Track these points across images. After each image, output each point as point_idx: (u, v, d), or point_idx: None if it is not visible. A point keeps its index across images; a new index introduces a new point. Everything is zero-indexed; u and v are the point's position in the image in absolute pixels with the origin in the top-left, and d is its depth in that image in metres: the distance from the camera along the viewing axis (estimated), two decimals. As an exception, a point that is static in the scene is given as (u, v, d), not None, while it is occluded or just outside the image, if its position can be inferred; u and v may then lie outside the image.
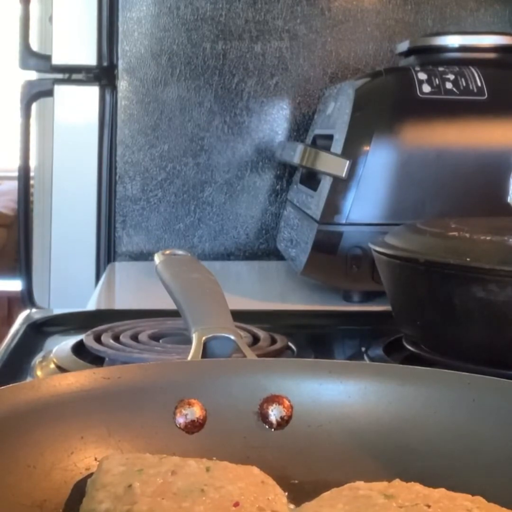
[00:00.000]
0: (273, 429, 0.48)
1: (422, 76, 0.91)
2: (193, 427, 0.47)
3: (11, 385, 0.44)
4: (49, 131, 1.23)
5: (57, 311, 0.97)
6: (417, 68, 0.92)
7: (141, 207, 1.21)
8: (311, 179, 1.03)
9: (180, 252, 0.72)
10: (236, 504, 0.39)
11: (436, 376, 0.50)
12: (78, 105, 1.21)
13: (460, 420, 0.47)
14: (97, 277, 1.20)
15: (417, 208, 0.88)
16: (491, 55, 0.98)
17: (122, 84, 1.20)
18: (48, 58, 1.20)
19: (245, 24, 1.20)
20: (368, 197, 0.89)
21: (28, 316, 0.85)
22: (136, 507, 0.38)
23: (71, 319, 0.85)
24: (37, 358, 0.69)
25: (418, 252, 0.63)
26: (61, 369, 0.64)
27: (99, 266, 1.22)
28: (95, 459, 0.43)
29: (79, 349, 0.68)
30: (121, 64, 1.20)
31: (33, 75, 1.30)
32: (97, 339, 0.69)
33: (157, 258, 0.71)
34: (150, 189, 1.21)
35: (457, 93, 0.90)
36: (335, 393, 0.49)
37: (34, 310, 1.07)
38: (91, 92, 1.21)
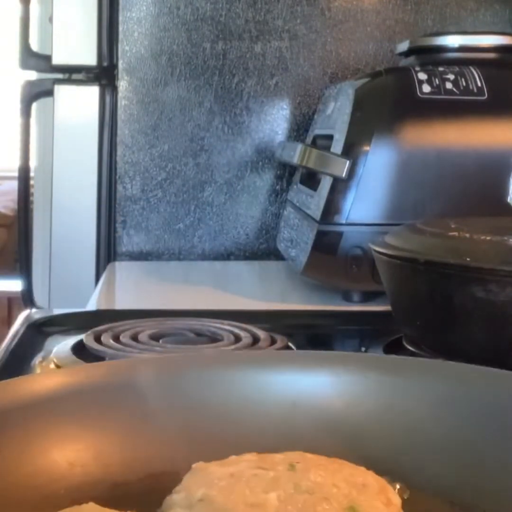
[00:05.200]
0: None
1: (422, 76, 0.91)
2: None
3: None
4: (49, 131, 1.23)
5: (57, 311, 0.97)
6: (417, 68, 0.92)
7: (141, 207, 1.21)
8: (311, 179, 1.03)
9: None
10: None
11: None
12: (78, 105, 1.21)
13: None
14: (97, 277, 1.20)
15: (417, 208, 0.88)
16: (491, 55, 0.98)
17: (122, 84, 1.20)
18: (48, 58, 1.20)
19: (245, 24, 1.20)
20: (368, 197, 0.89)
21: (28, 316, 0.85)
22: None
23: (71, 319, 0.85)
24: (37, 358, 0.69)
25: (418, 252, 0.63)
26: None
27: (99, 266, 1.22)
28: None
29: (79, 349, 0.68)
30: (121, 64, 1.20)
31: (33, 75, 1.30)
32: (97, 339, 0.69)
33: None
34: (150, 189, 1.21)
35: (457, 93, 0.90)
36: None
37: (34, 310, 1.07)
38: (91, 92, 1.21)
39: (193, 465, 0.45)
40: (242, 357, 0.54)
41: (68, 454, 0.44)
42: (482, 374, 0.49)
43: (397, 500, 0.43)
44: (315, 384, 0.50)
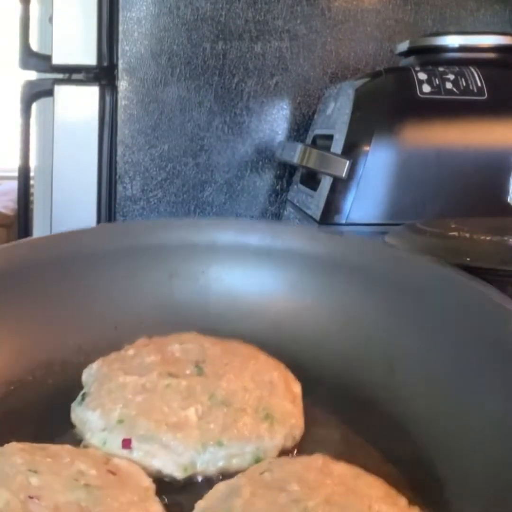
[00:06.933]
0: None
1: (422, 76, 0.91)
2: None
3: None
4: (49, 131, 1.23)
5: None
6: (417, 68, 0.92)
7: (141, 207, 1.21)
8: (311, 179, 1.03)
9: None
10: None
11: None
12: (78, 105, 1.21)
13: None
14: (97, 277, 1.20)
15: (417, 208, 0.88)
16: (491, 55, 0.98)
17: (122, 84, 1.20)
18: (48, 58, 1.20)
19: (245, 24, 1.20)
20: (368, 197, 0.89)
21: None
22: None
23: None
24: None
25: (418, 252, 0.63)
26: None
27: (99, 266, 1.22)
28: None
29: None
30: (121, 64, 1.20)
31: (33, 75, 1.30)
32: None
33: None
34: (150, 189, 1.21)
35: (457, 93, 0.90)
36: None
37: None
38: (91, 92, 1.21)
39: (95, 363, 0.44)
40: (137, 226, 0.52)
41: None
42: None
43: (298, 389, 0.45)
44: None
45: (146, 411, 0.42)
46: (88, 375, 0.45)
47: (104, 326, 0.46)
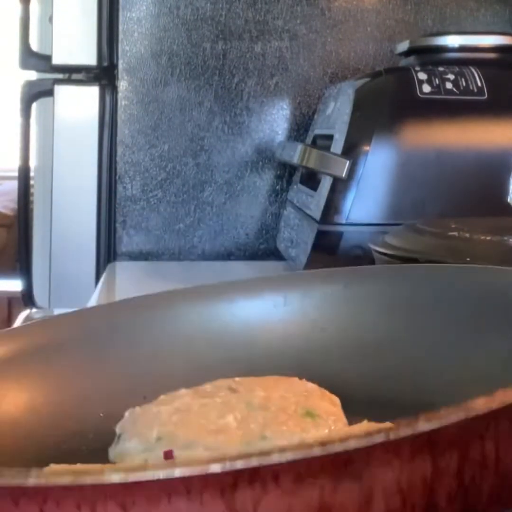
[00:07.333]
0: None
1: (422, 76, 0.91)
2: None
3: None
4: (49, 131, 1.23)
5: (57, 311, 0.97)
6: (417, 68, 0.92)
7: (141, 207, 1.21)
8: (311, 179, 1.03)
9: None
10: None
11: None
12: (78, 105, 1.21)
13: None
14: (97, 277, 1.20)
15: (417, 208, 0.88)
16: (491, 55, 0.98)
17: (122, 84, 1.20)
18: (48, 58, 1.20)
19: (245, 24, 1.20)
20: (368, 197, 0.89)
21: (28, 316, 0.85)
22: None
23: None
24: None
25: (418, 252, 0.63)
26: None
27: (99, 266, 1.22)
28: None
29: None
30: (121, 64, 1.20)
31: (33, 75, 1.30)
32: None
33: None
34: (150, 189, 1.21)
35: (457, 93, 0.90)
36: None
37: (34, 310, 1.07)
38: (91, 92, 1.21)
39: (126, 412, 0.44)
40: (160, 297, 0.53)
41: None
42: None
43: (337, 400, 0.44)
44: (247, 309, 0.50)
45: (184, 426, 0.41)
46: (121, 423, 0.44)
47: (132, 394, 0.46)
